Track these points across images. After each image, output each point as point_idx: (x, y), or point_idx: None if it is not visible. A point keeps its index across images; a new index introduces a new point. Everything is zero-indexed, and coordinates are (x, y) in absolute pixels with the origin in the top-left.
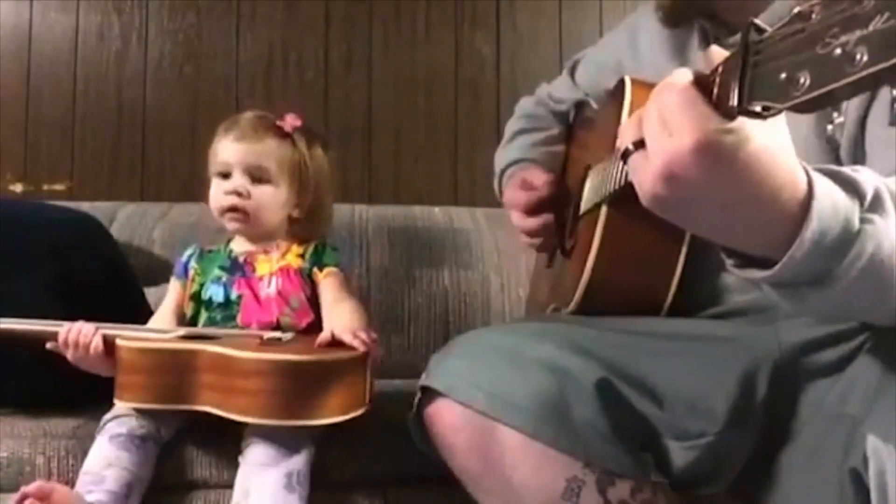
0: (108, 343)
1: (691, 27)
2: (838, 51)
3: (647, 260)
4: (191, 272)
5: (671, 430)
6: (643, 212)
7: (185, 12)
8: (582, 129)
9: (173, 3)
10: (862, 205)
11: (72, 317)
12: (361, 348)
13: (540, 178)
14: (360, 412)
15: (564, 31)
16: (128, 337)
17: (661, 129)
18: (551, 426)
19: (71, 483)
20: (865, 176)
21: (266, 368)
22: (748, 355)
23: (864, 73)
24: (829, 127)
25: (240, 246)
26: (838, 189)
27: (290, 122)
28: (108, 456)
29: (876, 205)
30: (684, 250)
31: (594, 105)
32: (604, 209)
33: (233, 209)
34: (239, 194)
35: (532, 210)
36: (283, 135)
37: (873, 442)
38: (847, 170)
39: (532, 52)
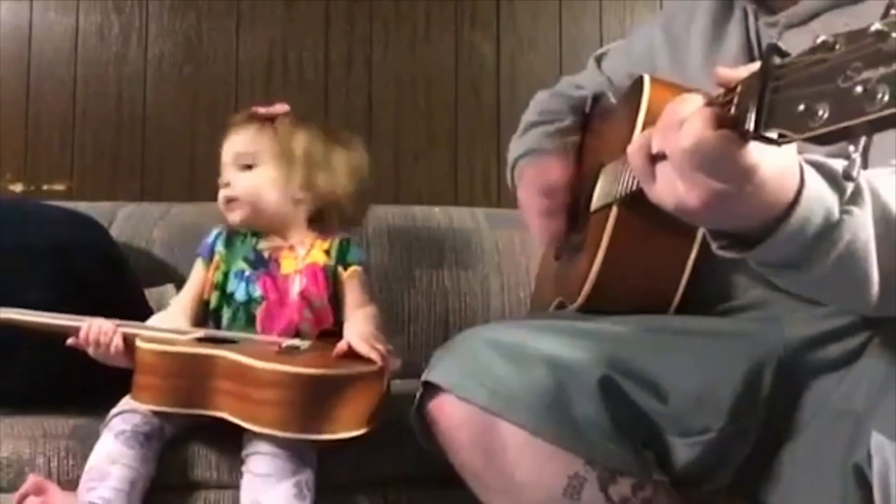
0: (128, 341)
1: (731, 7)
2: (859, 88)
3: (657, 261)
4: (216, 256)
5: (674, 426)
6: (653, 215)
7: (185, 12)
8: (597, 122)
9: (173, 3)
10: (842, 197)
11: None
12: (379, 361)
13: (558, 170)
14: (370, 429)
15: (564, 31)
16: (147, 338)
17: (674, 178)
18: (553, 423)
19: (72, 482)
20: None
21: (283, 380)
22: (753, 351)
23: (884, 113)
24: (846, 163)
25: (265, 242)
26: (822, 181)
27: (272, 109)
28: (112, 452)
29: (856, 197)
30: (694, 253)
31: (612, 98)
32: (614, 209)
33: (226, 201)
34: (226, 185)
35: (549, 193)
36: (264, 120)
37: (877, 438)
38: (831, 162)
39: (532, 52)
